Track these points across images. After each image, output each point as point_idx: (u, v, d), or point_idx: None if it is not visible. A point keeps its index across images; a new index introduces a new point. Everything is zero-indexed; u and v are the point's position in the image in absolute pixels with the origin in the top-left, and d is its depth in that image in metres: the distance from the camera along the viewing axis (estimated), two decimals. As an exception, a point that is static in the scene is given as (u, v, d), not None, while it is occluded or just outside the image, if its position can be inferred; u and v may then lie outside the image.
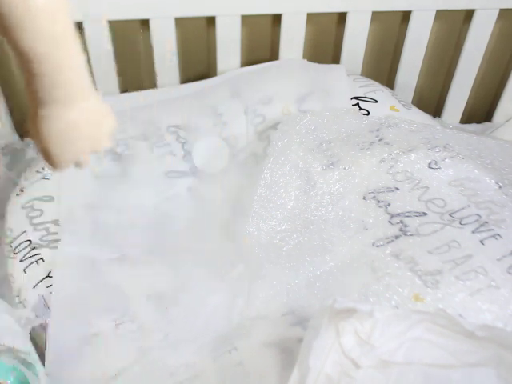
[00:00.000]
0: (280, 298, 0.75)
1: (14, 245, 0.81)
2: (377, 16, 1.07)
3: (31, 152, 1.02)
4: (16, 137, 1.08)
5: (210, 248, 0.82)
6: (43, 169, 0.91)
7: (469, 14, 1.08)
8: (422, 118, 1.01)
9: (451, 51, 1.17)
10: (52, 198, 0.87)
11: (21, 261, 0.79)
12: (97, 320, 0.73)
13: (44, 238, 0.82)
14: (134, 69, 1.10)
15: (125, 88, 1.08)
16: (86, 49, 1.01)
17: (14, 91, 1.08)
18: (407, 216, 0.78)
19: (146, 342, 0.71)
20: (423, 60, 1.12)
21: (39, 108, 0.44)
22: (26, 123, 0.48)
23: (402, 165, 0.84)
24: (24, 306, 0.75)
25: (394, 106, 1.00)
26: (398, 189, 0.82)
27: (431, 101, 1.25)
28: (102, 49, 1.01)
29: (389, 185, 0.82)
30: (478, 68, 1.14)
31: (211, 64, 1.10)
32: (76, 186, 0.87)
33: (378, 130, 0.90)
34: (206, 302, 0.75)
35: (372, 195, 0.82)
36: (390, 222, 0.78)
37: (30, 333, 0.71)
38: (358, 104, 0.99)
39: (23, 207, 0.86)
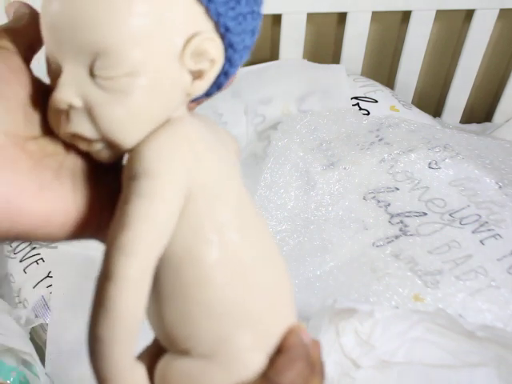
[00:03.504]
0: (280, 298, 0.75)
1: (14, 245, 0.81)
2: (377, 16, 1.07)
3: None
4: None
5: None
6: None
7: (469, 14, 1.08)
8: (422, 118, 1.01)
9: (451, 51, 1.17)
10: (52, 198, 0.86)
11: (21, 261, 0.79)
12: (97, 320, 0.73)
13: (44, 238, 0.82)
14: (133, 69, 1.10)
15: (125, 88, 1.08)
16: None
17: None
18: (407, 216, 0.78)
19: (146, 342, 0.71)
20: (423, 60, 1.12)
21: None
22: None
23: (402, 165, 0.84)
24: (24, 306, 0.75)
25: (394, 106, 1.00)
26: (398, 189, 0.82)
27: (431, 101, 1.25)
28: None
29: (389, 185, 0.82)
30: (478, 68, 1.14)
31: (211, 64, 1.10)
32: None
33: (378, 130, 0.90)
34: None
35: (372, 195, 0.82)
36: (390, 222, 0.78)
37: (30, 333, 0.71)
38: (358, 104, 0.99)
39: (23, 207, 0.85)
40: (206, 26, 0.25)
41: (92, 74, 0.23)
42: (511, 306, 0.67)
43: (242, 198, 0.26)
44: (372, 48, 1.14)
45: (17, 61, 0.25)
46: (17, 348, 0.65)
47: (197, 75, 0.25)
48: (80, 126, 0.24)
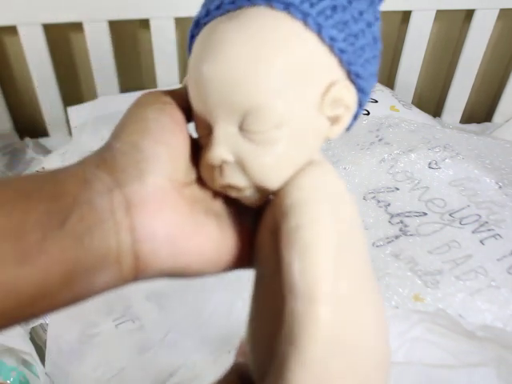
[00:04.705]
0: (280, 298, 0.75)
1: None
2: (377, 16, 1.07)
3: (31, 152, 1.02)
4: (16, 137, 1.08)
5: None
6: (43, 169, 0.91)
7: (469, 14, 1.09)
8: (422, 118, 1.01)
9: (451, 51, 1.18)
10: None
11: (21, 261, 0.79)
12: (97, 320, 0.73)
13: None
14: (133, 69, 1.10)
15: (125, 88, 1.08)
16: (86, 49, 1.01)
17: (14, 91, 1.08)
18: (407, 216, 0.78)
19: (146, 342, 0.71)
20: (423, 60, 1.13)
21: None
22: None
23: (402, 165, 0.84)
24: (24, 306, 0.75)
25: (394, 106, 1.00)
26: (398, 189, 0.82)
27: (431, 101, 1.25)
28: (102, 49, 1.01)
29: (389, 185, 0.82)
30: (478, 68, 1.14)
31: (211, 64, 1.10)
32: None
33: (378, 130, 0.89)
34: (206, 301, 0.75)
35: (372, 195, 0.82)
36: (390, 222, 0.78)
37: (30, 333, 0.71)
38: (358, 104, 0.99)
39: (23, 207, 0.85)
40: (340, 74, 0.27)
41: (241, 129, 0.26)
42: (511, 306, 0.67)
43: (364, 247, 0.27)
44: (372, 48, 1.14)
45: (179, 114, 0.27)
46: (17, 348, 0.65)
47: (333, 120, 0.27)
48: (233, 177, 0.26)
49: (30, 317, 0.24)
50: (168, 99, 0.28)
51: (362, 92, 0.28)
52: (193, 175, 0.28)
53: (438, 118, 1.20)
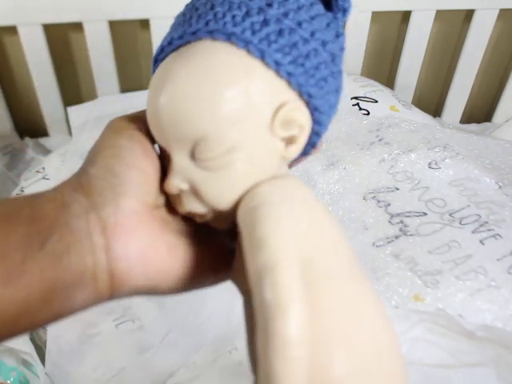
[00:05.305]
0: (280, 298, 0.75)
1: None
2: (377, 16, 1.07)
3: (31, 152, 1.02)
4: (16, 137, 1.07)
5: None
6: (43, 169, 0.91)
7: (469, 14, 1.09)
8: (422, 118, 1.01)
9: (451, 51, 1.18)
10: (52, 198, 0.86)
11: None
12: (97, 320, 0.73)
13: (44, 238, 0.82)
14: (133, 69, 1.10)
15: (125, 88, 1.08)
16: (86, 49, 1.01)
17: (14, 91, 1.08)
18: (407, 216, 0.78)
19: (145, 342, 0.71)
20: (423, 60, 1.12)
21: None
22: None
23: (402, 165, 0.84)
24: (24, 306, 0.75)
25: (394, 106, 1.00)
26: (398, 189, 0.82)
27: (431, 101, 1.25)
28: (102, 49, 1.01)
29: (389, 185, 0.82)
30: (477, 68, 1.14)
31: (211, 64, 1.10)
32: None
33: (378, 130, 0.89)
34: (206, 301, 0.75)
35: (372, 195, 0.82)
36: (390, 222, 0.78)
37: (31, 333, 0.71)
38: (357, 104, 0.99)
39: (23, 207, 0.85)
40: (290, 96, 0.27)
41: (194, 158, 0.26)
42: (511, 306, 0.67)
43: (341, 249, 0.26)
44: (372, 48, 1.14)
45: (147, 142, 0.29)
46: (17, 348, 0.65)
47: (289, 141, 0.27)
48: (190, 204, 0.28)
49: (12, 335, 0.25)
50: (137, 125, 0.29)
51: (317, 111, 0.27)
52: (162, 199, 0.29)
53: (438, 117, 1.20)
